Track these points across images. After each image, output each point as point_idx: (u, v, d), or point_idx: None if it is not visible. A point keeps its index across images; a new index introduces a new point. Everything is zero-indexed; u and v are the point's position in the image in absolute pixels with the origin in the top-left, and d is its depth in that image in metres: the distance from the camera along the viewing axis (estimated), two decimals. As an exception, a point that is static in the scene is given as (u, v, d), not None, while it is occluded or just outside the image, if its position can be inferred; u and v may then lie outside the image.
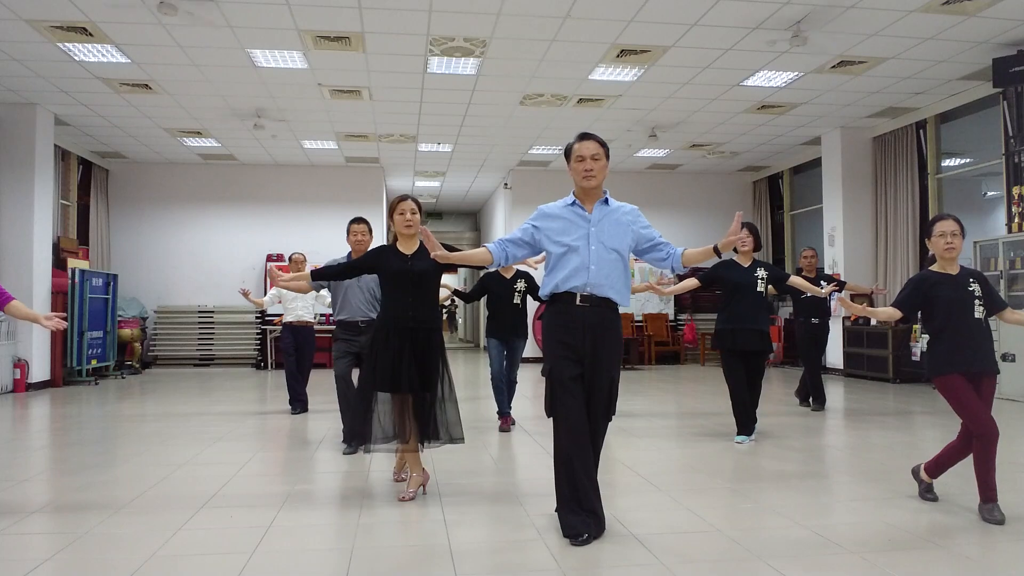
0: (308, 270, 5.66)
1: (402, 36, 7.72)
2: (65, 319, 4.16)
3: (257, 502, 4.11)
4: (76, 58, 8.25)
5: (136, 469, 4.99)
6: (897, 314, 3.94)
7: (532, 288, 6.51)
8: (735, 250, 5.96)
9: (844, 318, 11.27)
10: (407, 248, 4.24)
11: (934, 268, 3.94)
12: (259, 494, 4.31)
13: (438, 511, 3.90)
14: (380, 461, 5.04)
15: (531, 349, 12.70)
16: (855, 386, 10.03)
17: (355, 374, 5.41)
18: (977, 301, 3.80)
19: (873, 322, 10.61)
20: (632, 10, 7.13)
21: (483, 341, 18.44)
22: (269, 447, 5.94)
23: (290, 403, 7.61)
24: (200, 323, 13.67)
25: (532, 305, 8.45)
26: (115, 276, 11.98)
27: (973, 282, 3.85)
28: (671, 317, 14.64)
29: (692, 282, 6.05)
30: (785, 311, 12.99)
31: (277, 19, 7.24)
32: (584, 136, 3.58)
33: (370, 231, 5.43)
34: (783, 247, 14.35)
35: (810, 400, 7.71)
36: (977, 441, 3.71)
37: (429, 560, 3.18)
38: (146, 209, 13.82)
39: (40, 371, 10.10)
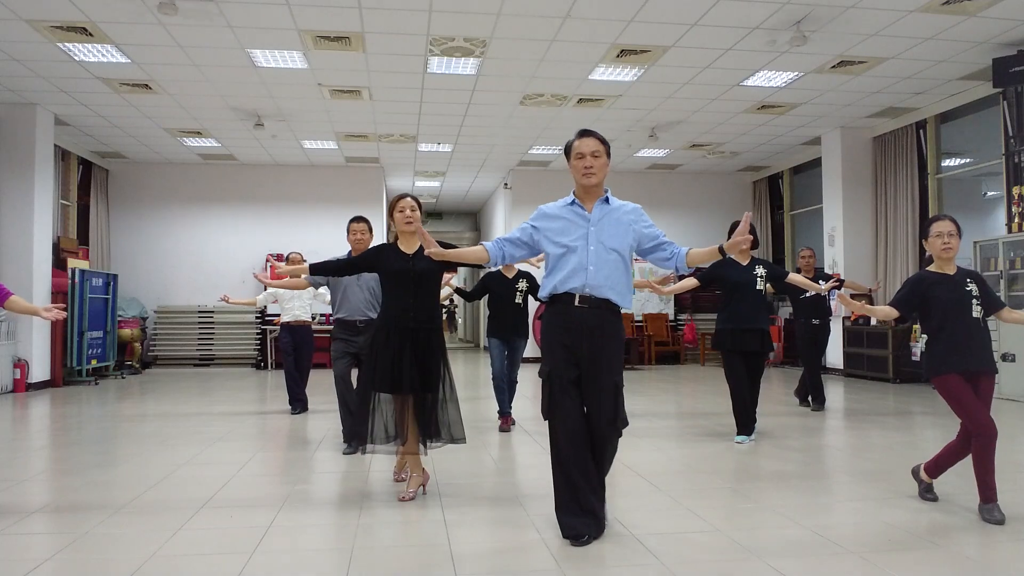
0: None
1: (402, 36, 7.72)
2: (64, 309, 4.16)
3: (257, 502, 4.11)
4: (76, 58, 8.25)
5: (136, 469, 4.99)
6: (894, 313, 3.95)
7: (533, 288, 6.50)
8: None
9: (844, 318, 11.27)
10: (408, 247, 4.22)
11: (931, 268, 3.96)
12: (259, 494, 4.31)
13: (438, 511, 3.90)
14: (380, 461, 5.04)
15: (531, 349, 12.69)
16: (855, 386, 10.03)
17: (354, 374, 5.43)
18: (975, 301, 3.81)
19: (873, 321, 10.61)
20: (632, 10, 7.13)
21: (483, 341, 18.47)
22: (269, 447, 5.94)
23: (290, 403, 7.61)
24: (200, 323, 13.67)
25: (533, 305, 8.46)
26: (115, 276, 11.98)
27: (970, 282, 3.85)
28: (671, 317, 14.64)
29: (691, 282, 6.01)
30: (785, 311, 13.00)
31: (277, 19, 7.24)
32: (584, 133, 3.53)
33: (370, 230, 5.44)
34: (783, 247, 14.35)
35: (810, 400, 7.71)
36: (976, 441, 3.72)
37: (429, 560, 3.18)
38: (146, 209, 13.82)
39: (40, 371, 10.11)
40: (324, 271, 4.47)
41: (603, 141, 3.54)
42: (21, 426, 7.22)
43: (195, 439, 6.11)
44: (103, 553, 3.28)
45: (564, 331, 3.41)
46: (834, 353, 11.28)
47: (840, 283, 7.64)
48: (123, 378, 11.70)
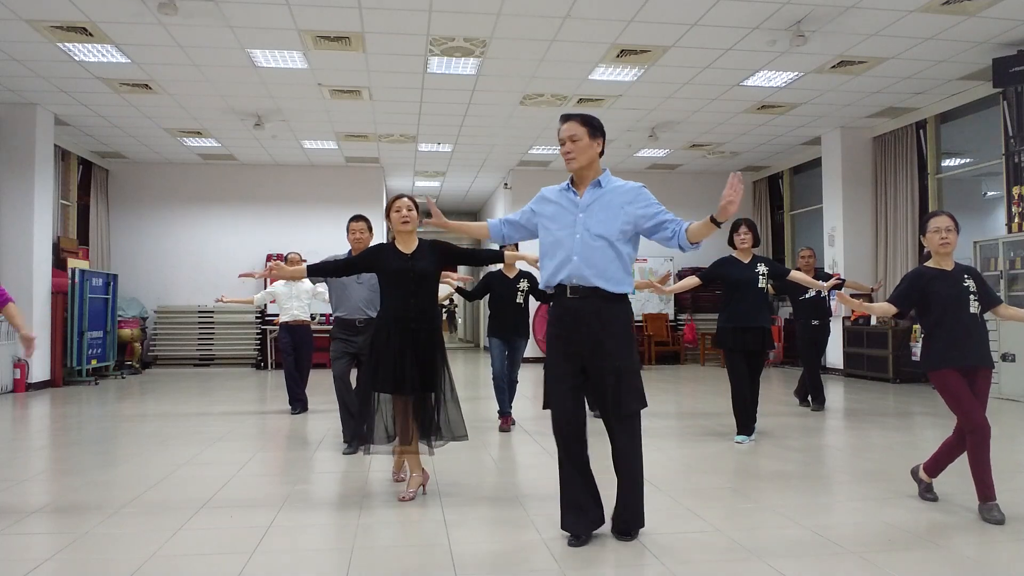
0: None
1: (402, 36, 7.72)
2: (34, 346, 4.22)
3: (257, 502, 4.11)
4: (76, 58, 8.25)
5: (136, 469, 4.99)
6: (892, 309, 3.97)
7: (535, 288, 6.48)
8: (734, 247, 5.95)
9: (844, 318, 11.27)
10: (406, 247, 4.22)
11: (929, 264, 3.97)
12: (259, 494, 4.31)
13: (438, 511, 3.90)
14: (380, 461, 5.04)
15: (532, 349, 12.69)
16: (855, 386, 10.02)
17: (353, 374, 5.43)
18: (972, 297, 3.83)
19: (873, 321, 10.61)
20: (632, 10, 7.13)
21: (483, 341, 18.49)
22: (269, 447, 5.94)
23: (290, 403, 7.61)
24: (200, 323, 13.66)
25: (534, 305, 8.46)
26: (115, 276, 11.98)
27: (968, 278, 3.88)
28: (671, 317, 14.63)
29: (693, 280, 6.02)
30: (785, 311, 12.99)
31: (277, 19, 7.24)
32: (564, 117, 3.44)
33: (370, 229, 5.44)
34: (783, 247, 14.35)
35: (810, 400, 7.71)
36: (970, 438, 3.73)
37: (429, 560, 3.18)
38: (146, 209, 13.82)
39: (40, 371, 10.10)
40: (322, 272, 4.43)
41: (585, 122, 3.40)
42: (21, 426, 7.22)
43: (195, 439, 6.10)
44: (103, 553, 3.28)
45: (560, 323, 3.39)
46: (834, 353, 11.28)
47: (841, 283, 7.65)
48: (123, 378, 11.70)
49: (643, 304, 14.25)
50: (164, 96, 9.68)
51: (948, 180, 10.64)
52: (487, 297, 6.61)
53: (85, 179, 12.79)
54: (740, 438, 5.84)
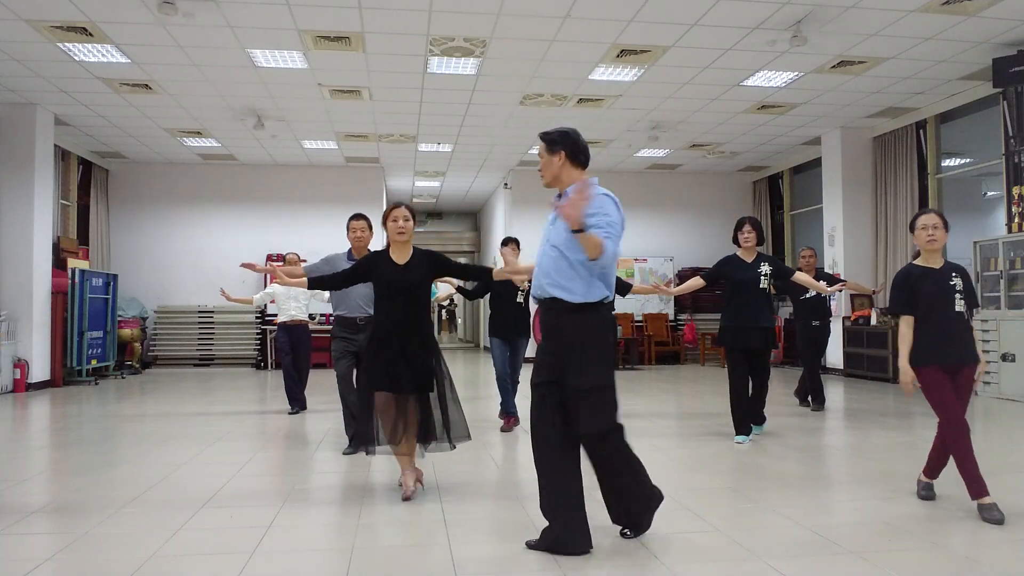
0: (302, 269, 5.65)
1: (402, 36, 7.72)
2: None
3: (257, 502, 4.11)
4: (76, 58, 8.25)
5: (136, 469, 4.99)
6: (910, 318, 3.94)
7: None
8: (738, 245, 5.96)
9: (844, 318, 11.27)
10: (400, 257, 4.25)
11: (918, 262, 4.02)
12: (259, 494, 4.31)
13: (438, 511, 3.90)
14: (380, 461, 5.04)
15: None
16: (855, 386, 10.02)
17: (355, 374, 5.43)
18: (958, 295, 3.87)
19: (873, 321, 10.61)
20: (632, 10, 7.13)
21: (483, 341, 18.46)
22: (269, 447, 5.94)
23: (289, 403, 7.61)
24: (200, 323, 13.67)
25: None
26: (115, 276, 11.98)
27: (955, 276, 3.91)
28: (671, 317, 14.63)
29: (697, 281, 6.04)
30: (785, 311, 12.99)
31: (277, 19, 7.24)
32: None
33: (370, 227, 5.45)
34: (783, 247, 14.35)
35: (810, 400, 7.71)
36: (949, 435, 3.78)
37: (429, 560, 3.18)
38: (146, 209, 13.82)
39: (40, 371, 10.10)
40: (322, 286, 4.49)
41: (543, 138, 3.45)
42: (21, 426, 7.22)
43: (195, 439, 6.10)
44: (103, 553, 3.28)
45: (542, 334, 3.40)
46: (834, 353, 11.28)
47: (842, 286, 7.69)
48: (123, 378, 11.69)
49: (643, 304, 14.25)
50: (164, 96, 9.68)
51: (948, 180, 10.64)
52: (488, 296, 6.63)
53: (85, 179, 12.79)
54: (740, 438, 5.84)
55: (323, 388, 9.01)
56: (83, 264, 11.67)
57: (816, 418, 7.14)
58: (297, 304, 7.65)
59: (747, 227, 5.88)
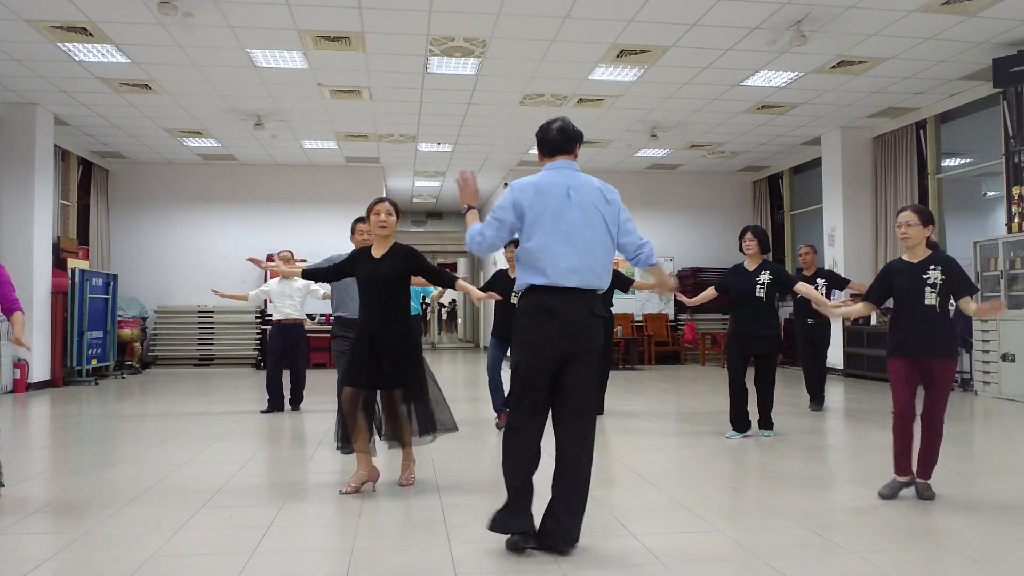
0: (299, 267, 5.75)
1: (402, 36, 7.72)
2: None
3: (257, 501, 4.11)
4: (76, 58, 8.25)
5: (136, 469, 4.99)
6: (871, 307, 4.24)
7: None
8: (744, 253, 6.13)
9: (844, 318, 11.27)
10: (378, 251, 4.31)
11: (904, 257, 4.18)
12: (259, 494, 4.31)
13: (438, 511, 3.90)
14: (380, 462, 5.03)
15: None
16: (855, 386, 10.02)
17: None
18: (929, 289, 3.97)
19: (873, 320, 10.61)
20: (632, 10, 7.13)
21: (483, 341, 18.47)
22: (269, 447, 5.94)
23: (267, 400, 7.66)
24: (200, 323, 13.66)
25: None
26: (115, 276, 11.98)
27: (933, 269, 4.01)
28: (671, 317, 14.64)
29: (711, 291, 6.29)
30: (785, 311, 12.99)
31: (277, 19, 7.24)
32: None
33: None
34: (783, 247, 14.35)
35: (819, 399, 7.72)
36: (893, 419, 4.03)
37: (429, 560, 3.18)
38: (146, 209, 13.82)
39: (40, 371, 10.10)
40: (314, 277, 4.70)
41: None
42: (21, 426, 7.22)
43: (195, 439, 6.10)
44: (103, 553, 3.28)
45: None
46: (834, 353, 11.25)
47: (842, 285, 7.71)
48: (123, 378, 11.69)
49: (643, 304, 14.26)
50: (164, 96, 9.68)
51: (948, 180, 10.64)
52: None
53: (85, 179, 12.79)
54: (730, 434, 6.02)
55: (323, 388, 9.01)
56: (83, 264, 11.67)
57: (816, 418, 7.14)
58: (292, 302, 7.67)
59: (748, 235, 6.04)
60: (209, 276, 13.62)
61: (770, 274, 5.94)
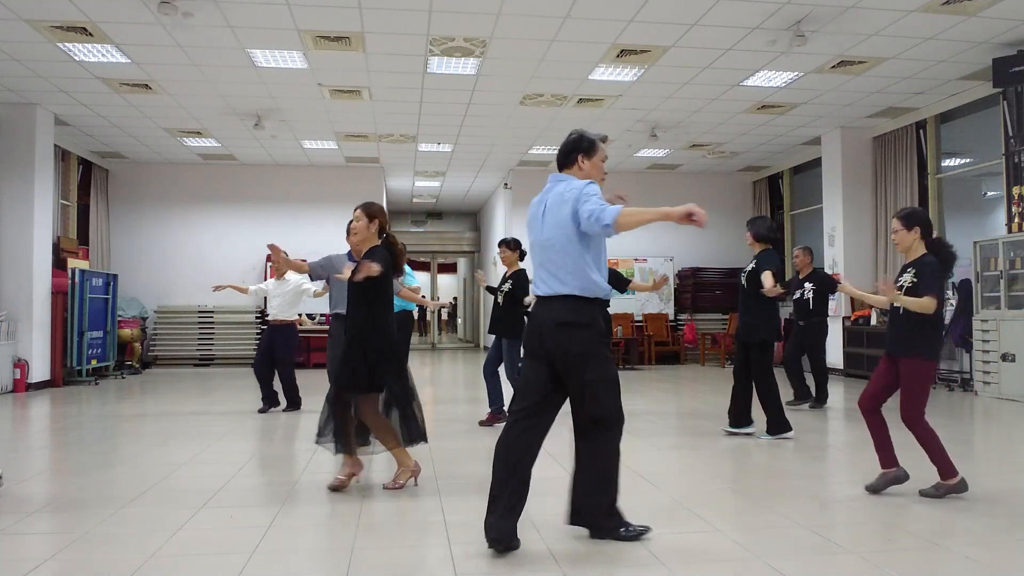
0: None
1: (402, 36, 7.72)
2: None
3: (257, 501, 4.12)
4: (76, 58, 8.25)
5: (136, 469, 4.99)
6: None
7: (516, 288, 6.57)
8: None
9: (844, 318, 11.27)
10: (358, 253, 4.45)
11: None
12: (259, 493, 4.32)
13: (438, 511, 3.90)
14: (380, 461, 5.04)
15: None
16: (855, 386, 10.02)
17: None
18: (899, 290, 4.13)
19: (873, 321, 10.61)
20: (632, 10, 7.13)
21: (483, 341, 18.50)
22: (269, 446, 5.94)
23: (261, 400, 7.70)
24: (200, 323, 13.66)
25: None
26: (115, 276, 11.97)
27: (908, 271, 4.17)
28: (671, 317, 14.64)
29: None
30: (785, 311, 13.00)
31: (277, 19, 7.24)
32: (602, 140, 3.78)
33: None
34: (783, 247, 14.34)
35: (793, 395, 7.75)
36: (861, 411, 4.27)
37: (429, 559, 3.18)
38: (146, 209, 13.82)
39: (40, 371, 10.10)
40: (319, 275, 4.97)
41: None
42: (21, 426, 7.22)
43: (195, 439, 6.10)
44: (103, 553, 3.28)
45: None
46: (834, 353, 11.27)
47: (833, 286, 7.80)
48: (123, 378, 11.69)
49: (643, 304, 14.26)
50: (164, 96, 9.68)
51: (948, 180, 10.64)
52: (491, 298, 6.83)
53: (85, 179, 12.79)
54: (724, 428, 6.14)
55: (322, 388, 8.98)
56: (83, 264, 11.67)
57: (816, 417, 7.14)
58: (280, 303, 7.74)
59: (747, 234, 6.31)
60: (209, 276, 13.59)
61: (758, 264, 6.07)
